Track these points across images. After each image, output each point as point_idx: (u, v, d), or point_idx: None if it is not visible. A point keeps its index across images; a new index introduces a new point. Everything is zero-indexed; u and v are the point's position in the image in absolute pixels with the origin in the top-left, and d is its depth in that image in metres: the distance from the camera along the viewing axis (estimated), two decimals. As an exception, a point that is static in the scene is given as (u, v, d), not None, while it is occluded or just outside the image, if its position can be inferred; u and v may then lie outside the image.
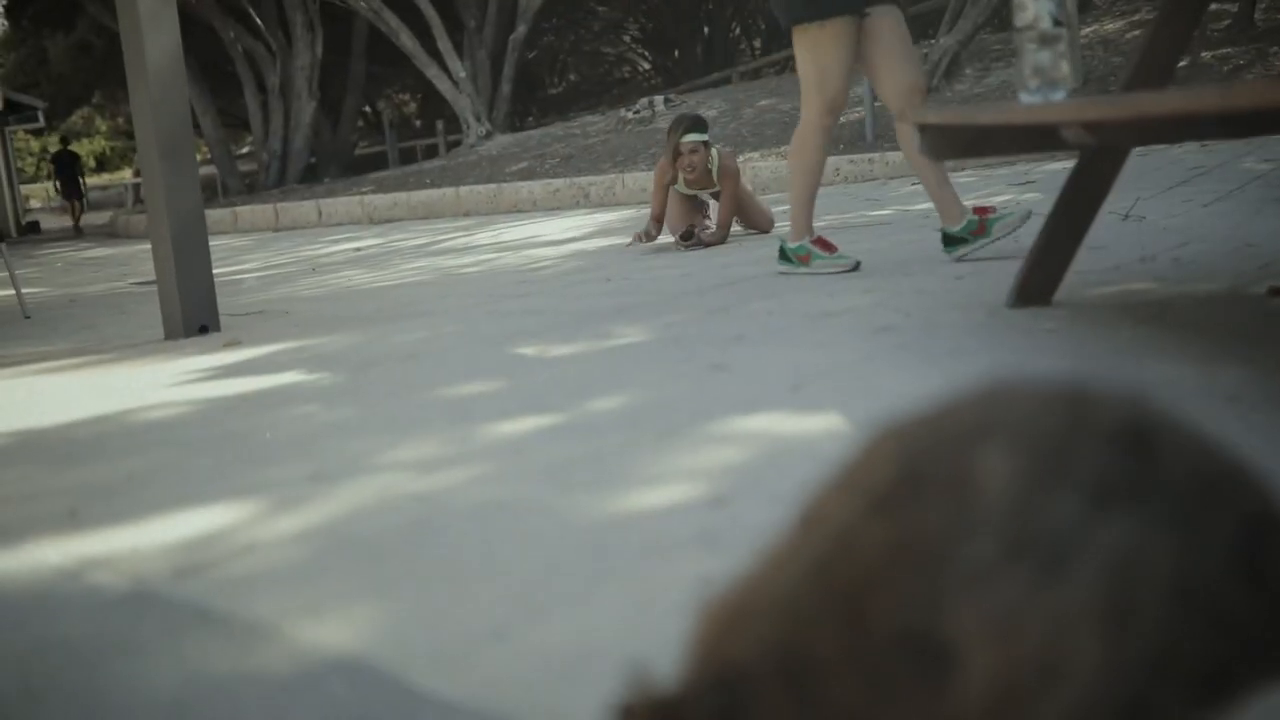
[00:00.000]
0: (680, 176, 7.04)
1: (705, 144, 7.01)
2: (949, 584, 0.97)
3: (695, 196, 7.32)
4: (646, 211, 7.97)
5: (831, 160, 11.52)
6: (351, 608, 1.82)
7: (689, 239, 6.95)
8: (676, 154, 6.96)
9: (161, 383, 4.13)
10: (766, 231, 7.52)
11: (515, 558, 1.97)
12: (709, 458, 2.42)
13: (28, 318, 7.07)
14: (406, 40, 20.06)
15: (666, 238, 7.23)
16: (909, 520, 0.99)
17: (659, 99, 17.28)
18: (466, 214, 14.00)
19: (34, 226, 16.06)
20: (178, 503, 2.50)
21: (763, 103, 16.56)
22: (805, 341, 3.63)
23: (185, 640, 1.76)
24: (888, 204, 8.63)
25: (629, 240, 7.53)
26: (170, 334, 5.44)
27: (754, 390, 3.01)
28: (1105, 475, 0.97)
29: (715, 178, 7.05)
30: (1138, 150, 9.92)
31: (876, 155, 11.53)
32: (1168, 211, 6.08)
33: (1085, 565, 0.94)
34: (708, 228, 7.20)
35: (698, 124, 7.02)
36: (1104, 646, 0.94)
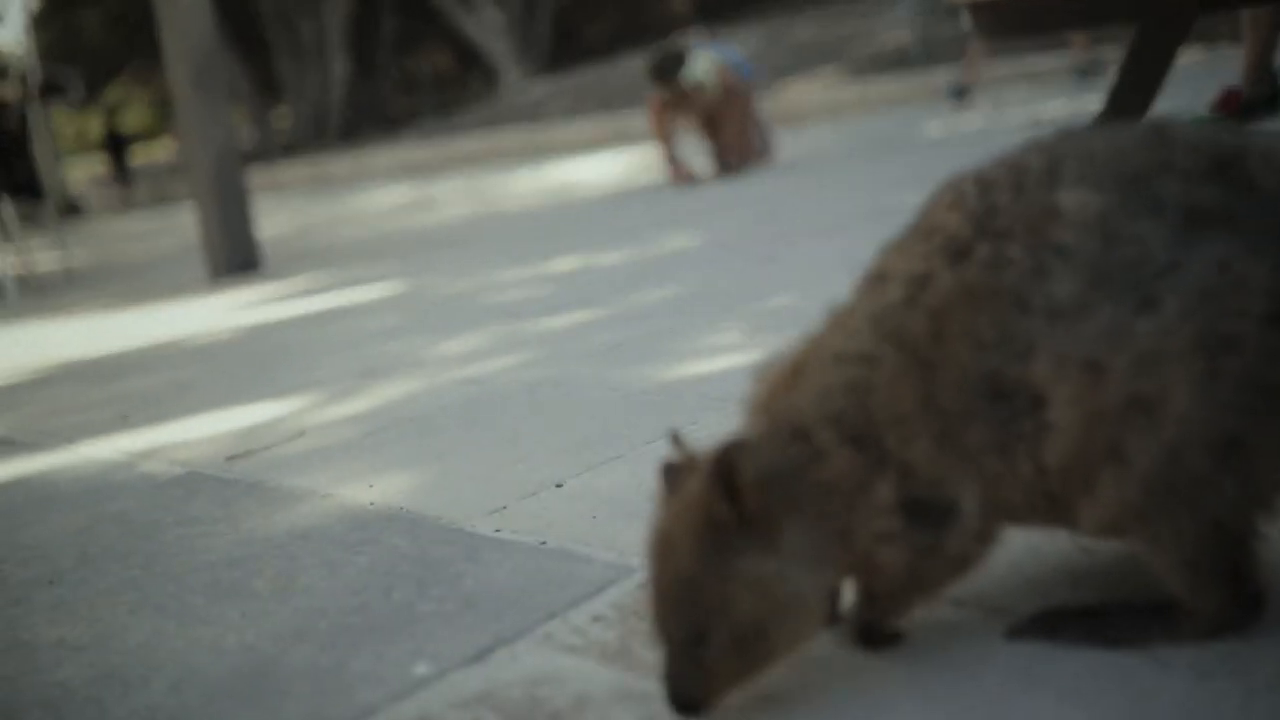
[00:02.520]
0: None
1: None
2: (1030, 326, 0.91)
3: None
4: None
5: (878, 84, 11.33)
6: (405, 473, 1.78)
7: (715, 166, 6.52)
8: (671, 103, 6.41)
9: (208, 313, 4.13)
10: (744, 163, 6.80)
11: (568, 422, 1.92)
12: (761, 328, 2.36)
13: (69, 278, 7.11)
14: (437, -9, 19.94)
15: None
16: (983, 262, 0.93)
17: (693, 33, 17.03)
18: (506, 158, 13.94)
19: (73, 207, 15.71)
20: (226, 403, 2.48)
21: (803, 33, 16.31)
22: (857, 234, 3.54)
23: (238, 510, 1.73)
24: (936, 121, 8.48)
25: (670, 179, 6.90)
26: (215, 275, 5.43)
27: (805, 275, 2.94)
28: (1192, 202, 0.90)
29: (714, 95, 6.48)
30: (1205, 49, 9.66)
31: (925, 76, 11.31)
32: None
33: (1174, 295, 0.88)
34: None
35: (674, 59, 6.33)
36: (1196, 380, 0.88)
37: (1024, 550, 1.14)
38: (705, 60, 6.52)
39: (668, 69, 6.38)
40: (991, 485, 0.94)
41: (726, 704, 0.95)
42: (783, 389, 0.99)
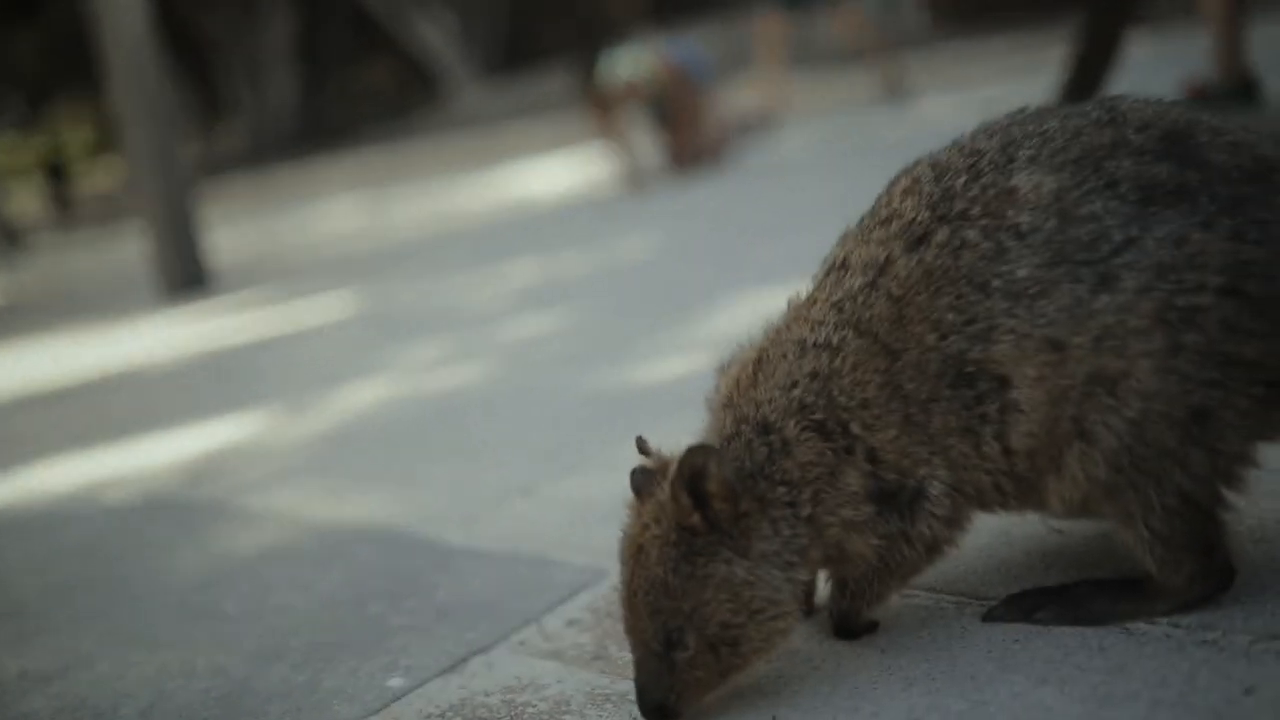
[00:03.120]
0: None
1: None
2: (993, 305, 0.92)
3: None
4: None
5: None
6: (372, 487, 1.77)
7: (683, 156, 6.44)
8: (607, 102, 6.29)
9: (161, 334, 4.08)
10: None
11: (533, 430, 1.91)
12: (724, 327, 2.36)
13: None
14: (380, 4, 19.83)
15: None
16: (945, 245, 0.94)
17: (646, 35, 17.02)
18: (457, 166, 13.87)
19: (13, 234, 14.83)
20: (186, 425, 2.45)
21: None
22: (817, 234, 3.55)
23: (204, 534, 1.71)
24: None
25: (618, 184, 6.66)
26: (166, 294, 5.36)
27: (766, 271, 2.95)
28: (1147, 178, 0.91)
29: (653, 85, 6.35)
30: (1150, 35, 9.75)
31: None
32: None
33: (1132, 270, 0.88)
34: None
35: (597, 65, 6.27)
36: (1158, 353, 0.88)
37: (995, 535, 1.15)
38: (634, 58, 6.46)
39: (589, 70, 6.33)
40: (958, 469, 0.94)
41: (702, 707, 0.95)
42: (746, 383, 0.99)
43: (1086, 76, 3.51)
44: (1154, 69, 5.15)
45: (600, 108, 6.49)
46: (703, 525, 0.91)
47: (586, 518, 1.46)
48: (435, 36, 20.02)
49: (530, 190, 7.65)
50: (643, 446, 0.99)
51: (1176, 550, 0.93)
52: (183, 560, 1.60)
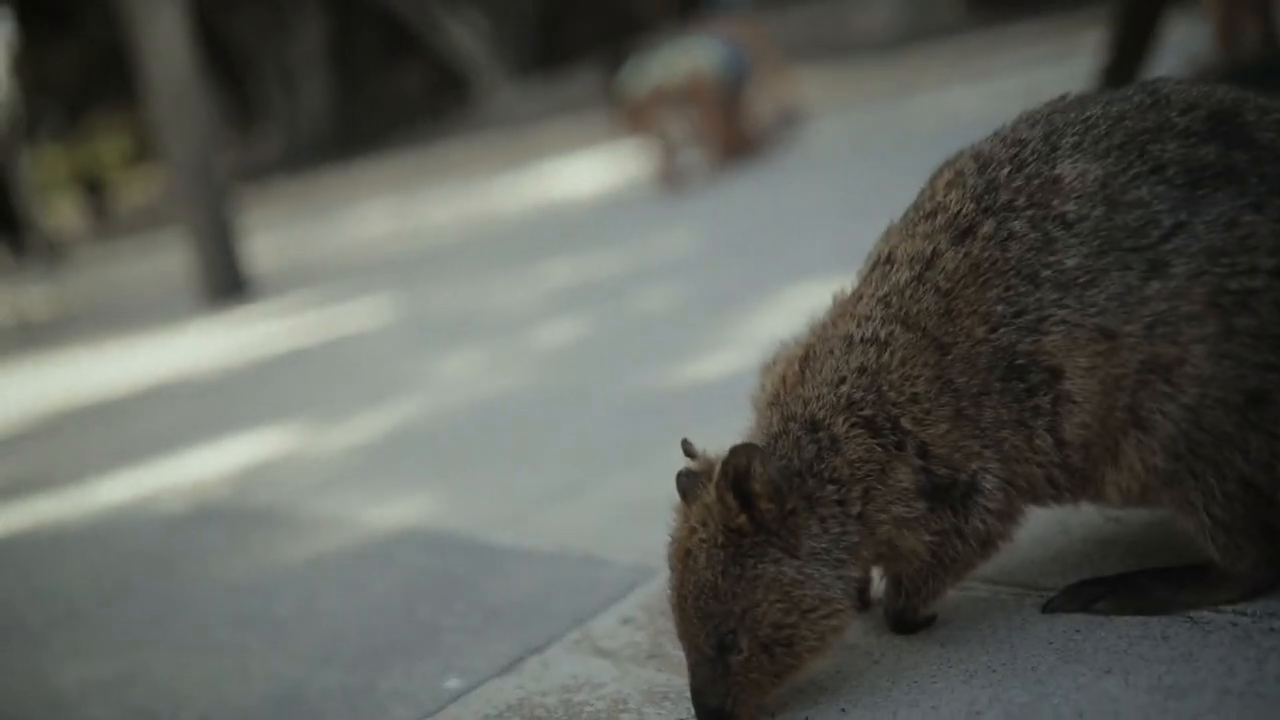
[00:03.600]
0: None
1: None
2: (1042, 295, 0.90)
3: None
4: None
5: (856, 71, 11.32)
6: (419, 491, 1.77)
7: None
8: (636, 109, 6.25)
9: (203, 343, 4.11)
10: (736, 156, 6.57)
11: (578, 431, 1.91)
12: (769, 325, 2.35)
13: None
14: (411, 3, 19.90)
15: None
16: (992, 237, 0.93)
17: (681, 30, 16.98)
18: (491, 166, 13.92)
19: (56, 245, 14.49)
20: (233, 435, 2.46)
21: (797, 16, 16.29)
22: (856, 230, 3.53)
23: (253, 540, 1.72)
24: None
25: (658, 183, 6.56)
26: (207, 301, 5.41)
27: (809, 266, 2.93)
28: (1193, 161, 0.90)
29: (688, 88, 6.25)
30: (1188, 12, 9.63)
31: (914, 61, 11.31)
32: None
33: (1182, 255, 0.87)
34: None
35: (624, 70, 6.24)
36: (1212, 338, 0.87)
37: (1051, 525, 1.13)
38: (665, 61, 6.37)
39: (617, 73, 6.29)
40: (1011, 462, 0.93)
41: (762, 705, 0.94)
42: (793, 381, 0.99)
43: (1125, 60, 3.46)
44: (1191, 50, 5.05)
45: (630, 114, 6.46)
46: (749, 526, 0.91)
47: (632, 517, 1.45)
48: (465, 38, 20.06)
49: (565, 190, 7.66)
50: (688, 449, 0.99)
51: (1239, 536, 0.91)
52: (234, 567, 1.61)
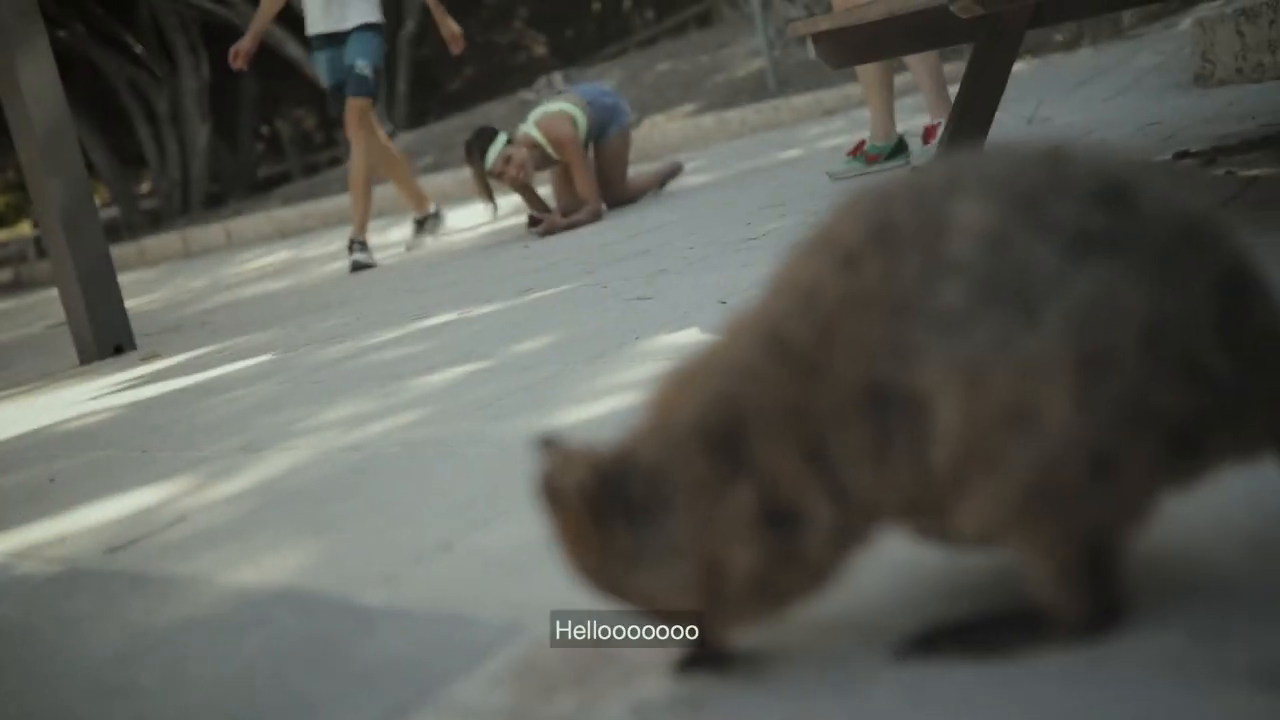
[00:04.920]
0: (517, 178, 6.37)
1: (510, 141, 6.36)
2: (916, 334, 0.93)
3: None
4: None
5: (738, 112, 11.52)
6: (291, 550, 1.76)
7: (536, 224, 6.33)
8: (487, 185, 6.43)
9: (80, 398, 4.02)
10: (631, 201, 6.91)
11: (454, 483, 1.92)
12: (641, 371, 2.39)
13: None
14: (294, 50, 19.70)
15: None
16: (876, 271, 0.95)
17: (557, 75, 17.14)
18: (379, 214, 13.81)
19: None
20: (104, 493, 2.41)
21: (662, 67, 16.50)
22: (730, 264, 3.60)
23: (122, 605, 1.69)
24: (795, 146, 8.64)
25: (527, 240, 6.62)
26: (85, 358, 5.28)
27: (682, 310, 2.98)
28: (1082, 225, 0.93)
29: (552, 152, 6.40)
30: (1034, 59, 10.02)
31: (780, 101, 11.53)
32: (1070, 110, 6.14)
33: (1058, 312, 0.90)
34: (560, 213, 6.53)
35: (485, 139, 6.34)
36: (1075, 395, 0.91)
37: (902, 566, 1.17)
38: (530, 121, 6.47)
39: (485, 135, 6.40)
40: (863, 493, 0.96)
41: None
42: (667, 394, 1.02)
43: (978, 105, 3.60)
44: (1040, 90, 5.25)
45: (482, 182, 6.49)
46: (593, 530, 0.98)
47: (503, 573, 1.46)
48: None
49: (446, 235, 7.65)
50: (548, 445, 1.04)
51: (1074, 583, 0.95)
52: (100, 635, 1.58)
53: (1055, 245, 0.92)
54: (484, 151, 6.32)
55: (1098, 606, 0.96)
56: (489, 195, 6.54)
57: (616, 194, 6.80)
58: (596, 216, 6.47)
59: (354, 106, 6.92)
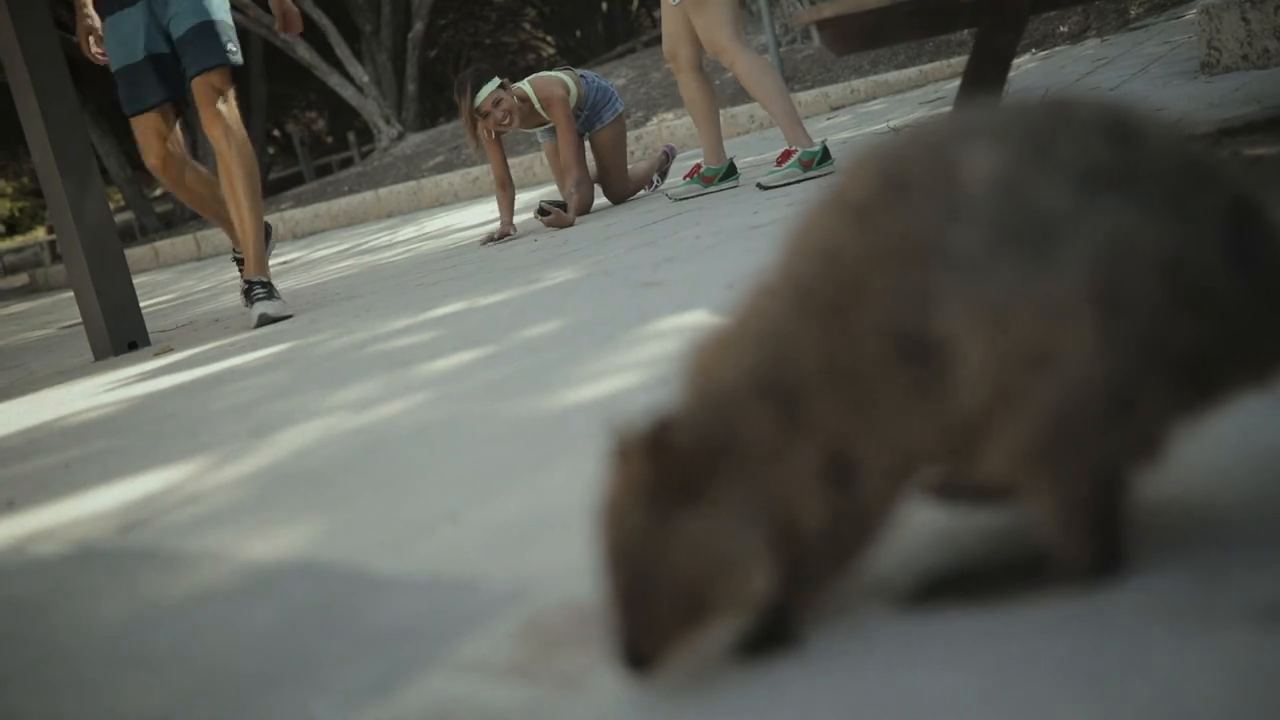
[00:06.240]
0: (492, 133, 6.36)
1: (503, 86, 6.20)
2: (937, 281, 0.94)
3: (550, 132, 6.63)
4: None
5: (745, 108, 11.52)
6: (300, 524, 1.78)
7: (547, 214, 6.14)
8: (475, 122, 6.35)
9: (93, 391, 4.04)
10: (629, 196, 6.87)
11: (462, 458, 1.93)
12: (649, 352, 2.40)
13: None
14: (304, 53, 19.75)
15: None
16: (892, 224, 0.96)
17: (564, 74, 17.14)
18: (389, 215, 13.85)
19: None
20: (117, 477, 2.43)
21: (669, 66, 16.50)
22: (736, 251, 3.61)
23: (134, 580, 1.71)
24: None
25: (481, 240, 6.43)
26: (99, 354, 5.31)
27: (689, 295, 2.99)
28: (1093, 162, 0.94)
29: (541, 109, 6.42)
30: (1040, 53, 10.01)
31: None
32: (1076, 98, 6.11)
33: (1074, 250, 0.91)
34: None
35: (480, 77, 6.29)
36: (1094, 332, 0.92)
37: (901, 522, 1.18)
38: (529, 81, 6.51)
39: (482, 75, 6.33)
40: (906, 442, 0.96)
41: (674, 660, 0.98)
42: (707, 362, 1.02)
43: (981, 91, 3.61)
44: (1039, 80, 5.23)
45: (472, 128, 6.46)
46: (666, 489, 0.94)
47: (509, 541, 1.48)
48: (352, 88, 20.03)
49: (456, 231, 7.68)
50: (617, 429, 1.02)
51: (1083, 529, 0.96)
52: (112, 609, 1.60)
53: (1068, 183, 0.93)
54: (476, 89, 6.29)
55: (1102, 552, 0.97)
56: (474, 134, 6.45)
57: (618, 188, 6.79)
58: (588, 185, 6.51)
59: (211, 82, 4.85)
